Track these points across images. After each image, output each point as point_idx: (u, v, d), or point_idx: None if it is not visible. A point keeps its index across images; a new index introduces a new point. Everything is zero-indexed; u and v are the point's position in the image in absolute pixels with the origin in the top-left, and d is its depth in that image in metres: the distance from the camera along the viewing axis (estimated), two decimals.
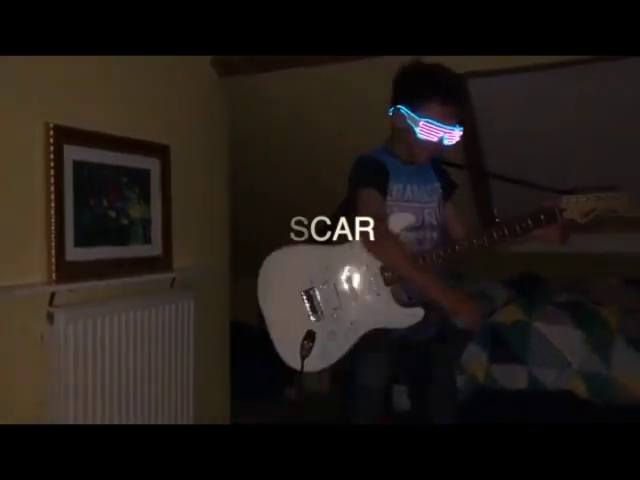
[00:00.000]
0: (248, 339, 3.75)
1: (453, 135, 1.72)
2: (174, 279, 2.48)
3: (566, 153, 2.95)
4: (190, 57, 2.60)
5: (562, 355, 2.60)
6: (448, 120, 1.70)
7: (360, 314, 1.71)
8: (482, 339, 2.81)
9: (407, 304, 1.71)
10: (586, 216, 1.62)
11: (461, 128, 1.73)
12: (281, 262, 1.80)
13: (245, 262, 3.19)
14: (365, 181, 1.74)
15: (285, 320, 1.77)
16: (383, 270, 1.70)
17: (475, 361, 2.78)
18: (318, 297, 1.74)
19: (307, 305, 1.74)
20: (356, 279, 1.72)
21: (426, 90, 1.70)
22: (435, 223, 1.81)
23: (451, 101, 1.70)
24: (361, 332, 1.71)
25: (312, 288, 1.74)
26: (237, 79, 2.75)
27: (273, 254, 1.79)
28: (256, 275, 1.80)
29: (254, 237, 3.43)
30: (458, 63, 1.83)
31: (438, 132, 1.70)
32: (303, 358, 1.66)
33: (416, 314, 1.69)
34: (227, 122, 2.85)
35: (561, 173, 2.44)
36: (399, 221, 1.72)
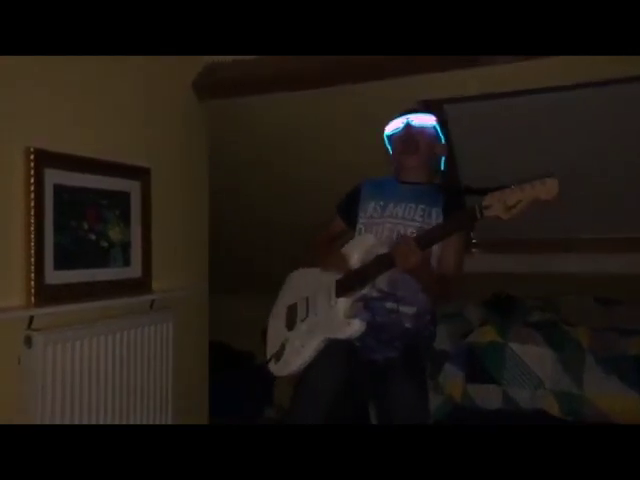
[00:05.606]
0: (229, 359, 3.76)
1: (417, 117, 1.95)
2: (153, 301, 2.49)
3: None
4: (171, 81, 2.65)
5: (535, 375, 2.65)
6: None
7: (316, 324, 1.82)
8: (459, 359, 2.85)
9: (350, 315, 1.76)
10: (510, 210, 1.46)
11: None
12: (288, 281, 2.09)
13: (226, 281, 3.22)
14: (337, 208, 2.04)
15: (273, 330, 1.99)
16: (337, 283, 1.79)
17: (452, 381, 2.82)
18: (297, 310, 1.90)
19: (285, 317, 1.93)
20: (320, 293, 1.84)
21: None
22: None
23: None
24: (316, 340, 1.80)
25: (295, 303, 1.93)
26: (217, 103, 2.80)
27: (289, 275, 2.07)
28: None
29: (235, 258, 3.48)
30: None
31: (400, 121, 1.97)
32: (269, 360, 1.89)
33: (352, 324, 1.73)
34: (208, 145, 2.89)
35: None
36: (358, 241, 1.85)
